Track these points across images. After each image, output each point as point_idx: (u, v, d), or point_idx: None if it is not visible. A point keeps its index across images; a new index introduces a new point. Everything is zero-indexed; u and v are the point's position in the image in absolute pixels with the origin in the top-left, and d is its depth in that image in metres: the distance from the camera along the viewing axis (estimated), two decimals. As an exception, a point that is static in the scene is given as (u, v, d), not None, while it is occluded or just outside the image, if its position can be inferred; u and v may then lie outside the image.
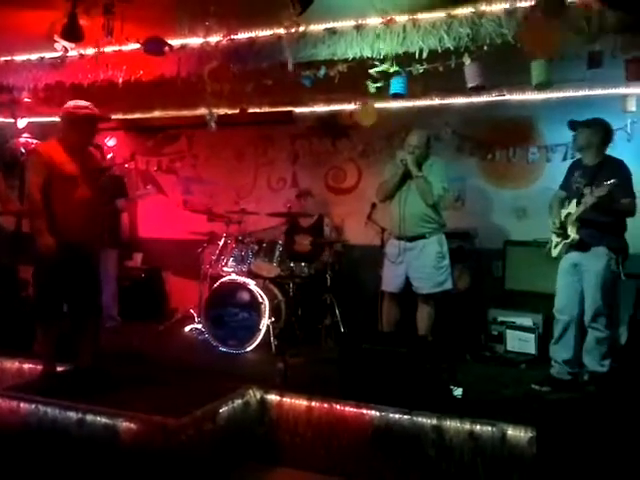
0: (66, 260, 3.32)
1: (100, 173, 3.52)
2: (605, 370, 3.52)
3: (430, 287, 4.11)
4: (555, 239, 3.74)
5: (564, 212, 3.67)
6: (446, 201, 4.37)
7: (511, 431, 2.85)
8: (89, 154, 3.59)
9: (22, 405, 3.11)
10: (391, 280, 4.24)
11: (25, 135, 5.95)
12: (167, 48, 3.66)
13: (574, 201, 3.59)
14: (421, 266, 4.10)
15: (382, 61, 3.44)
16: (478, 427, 2.90)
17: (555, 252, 3.72)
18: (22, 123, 5.80)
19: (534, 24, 2.99)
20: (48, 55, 4.15)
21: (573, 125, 3.81)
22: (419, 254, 4.11)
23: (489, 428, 2.88)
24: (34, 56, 4.22)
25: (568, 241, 3.59)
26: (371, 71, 3.53)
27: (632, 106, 4.50)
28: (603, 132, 3.66)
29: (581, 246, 3.56)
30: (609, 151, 3.96)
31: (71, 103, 3.53)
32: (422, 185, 4.09)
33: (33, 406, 3.08)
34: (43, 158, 3.36)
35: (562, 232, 3.66)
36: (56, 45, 3.84)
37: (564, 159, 4.94)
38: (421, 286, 4.12)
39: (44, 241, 3.27)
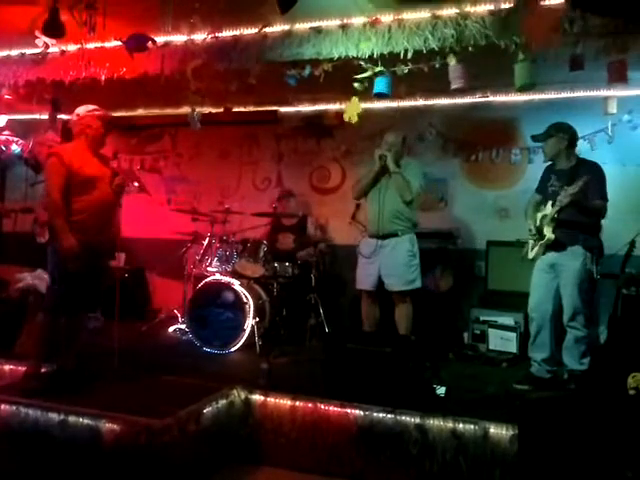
0: (85, 259, 3.33)
1: (114, 176, 3.55)
2: (584, 368, 3.56)
3: (401, 285, 4.14)
4: (531, 241, 3.77)
5: (540, 215, 3.70)
6: (420, 200, 4.39)
7: (493, 429, 2.87)
8: (102, 157, 3.62)
9: (3, 407, 3.06)
10: (365, 278, 4.27)
11: (5, 133, 5.86)
12: (150, 43, 3.62)
13: (549, 203, 3.63)
14: (393, 264, 4.14)
15: (367, 61, 3.44)
16: (461, 425, 2.92)
17: (532, 254, 3.75)
18: (2, 121, 5.71)
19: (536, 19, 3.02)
20: (29, 51, 4.10)
21: (536, 139, 3.85)
22: (391, 252, 4.15)
23: (471, 426, 2.90)
24: (14, 52, 4.17)
25: (544, 241, 3.62)
26: (357, 77, 3.53)
27: (613, 108, 4.57)
28: (568, 136, 3.69)
29: (557, 246, 3.60)
30: (589, 153, 4.02)
31: (81, 109, 3.54)
32: (400, 182, 4.12)
33: (15, 407, 3.03)
34: (63, 161, 3.37)
35: (538, 234, 3.69)
36: (37, 41, 3.79)
37: (546, 161, 5.00)
38: (392, 283, 4.15)
39: (67, 241, 3.28)
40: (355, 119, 3.85)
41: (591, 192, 3.47)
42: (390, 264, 4.14)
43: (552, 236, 3.58)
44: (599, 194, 3.54)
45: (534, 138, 3.89)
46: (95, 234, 3.42)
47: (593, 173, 3.54)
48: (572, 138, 3.71)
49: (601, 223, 3.66)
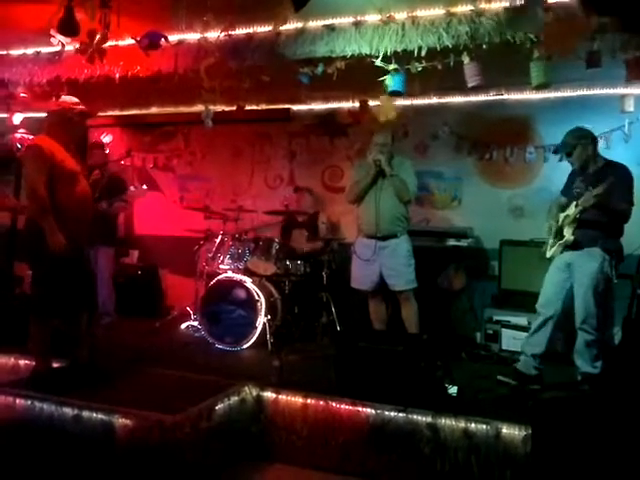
0: (70, 256, 3.30)
1: (92, 170, 3.53)
2: (597, 372, 3.51)
3: (403, 284, 4.16)
4: (551, 240, 3.73)
5: (563, 215, 3.65)
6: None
7: (505, 429, 2.86)
8: (80, 150, 3.58)
9: (18, 401, 3.09)
10: (363, 279, 4.28)
11: (21, 131, 5.92)
12: (163, 40, 3.63)
13: (573, 204, 3.56)
14: (395, 264, 4.15)
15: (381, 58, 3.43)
16: (473, 425, 2.90)
17: (550, 253, 3.71)
18: (18, 119, 5.77)
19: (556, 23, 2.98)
20: (44, 50, 4.14)
21: (561, 152, 3.77)
22: (392, 253, 4.16)
23: (483, 426, 2.89)
24: (30, 51, 4.21)
25: (563, 242, 3.58)
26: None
27: (630, 106, 4.51)
28: (590, 140, 3.60)
29: (575, 246, 3.56)
30: (605, 152, 3.94)
31: (66, 99, 3.49)
32: (397, 183, 4.13)
33: (29, 402, 3.07)
34: (46, 154, 3.26)
35: (558, 234, 3.65)
36: (52, 40, 3.81)
37: (561, 159, 4.91)
38: (395, 283, 4.17)
39: (55, 239, 3.20)
40: (393, 116, 3.80)
41: (616, 195, 3.39)
42: (392, 265, 4.15)
43: (571, 238, 3.53)
44: (624, 197, 3.46)
45: (557, 152, 3.81)
46: (79, 230, 3.36)
47: (620, 176, 3.48)
48: (594, 141, 3.64)
49: (623, 227, 3.58)
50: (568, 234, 3.55)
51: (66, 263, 3.28)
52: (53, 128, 3.43)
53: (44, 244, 3.22)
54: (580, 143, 3.60)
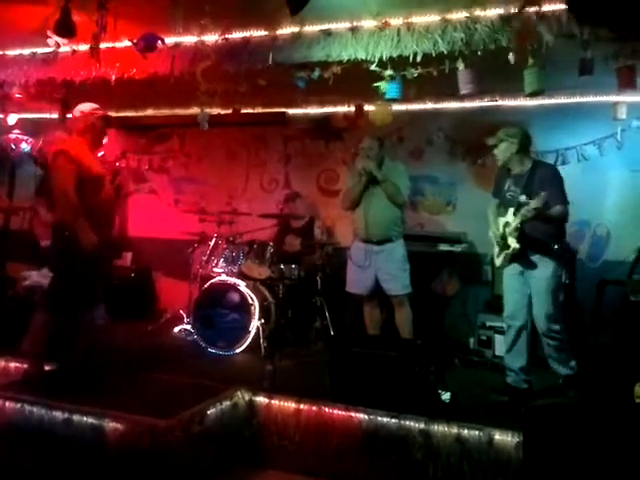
0: (94, 258, 3.35)
1: (115, 175, 3.59)
2: (575, 371, 3.51)
3: (399, 289, 4.18)
4: (497, 249, 3.64)
5: (502, 221, 3.57)
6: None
7: (498, 436, 2.86)
8: (100, 155, 3.65)
9: (8, 404, 3.08)
10: (358, 283, 4.29)
11: (15, 131, 5.90)
12: (160, 43, 3.63)
13: (511, 210, 3.49)
14: (390, 269, 4.17)
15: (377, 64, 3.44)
16: (465, 431, 2.90)
17: (498, 262, 3.64)
18: (12, 119, 5.75)
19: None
20: (40, 50, 4.12)
21: (489, 145, 3.72)
22: (388, 257, 4.17)
23: (476, 432, 2.89)
24: (26, 51, 4.19)
25: (510, 251, 3.49)
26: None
27: (622, 114, 4.53)
28: (518, 140, 3.55)
29: (525, 261, 3.50)
30: (598, 159, 3.95)
31: (87, 106, 3.55)
32: (390, 188, 4.15)
33: (19, 405, 3.05)
34: (73, 160, 3.35)
35: (503, 242, 3.56)
36: (49, 41, 3.81)
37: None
38: (391, 288, 4.18)
39: (89, 239, 3.29)
40: (389, 120, 3.81)
41: (551, 199, 3.35)
42: (388, 269, 4.16)
43: (517, 246, 3.44)
44: (559, 199, 3.42)
45: (488, 145, 3.75)
46: (103, 233, 3.42)
47: (550, 178, 3.46)
48: (522, 142, 3.58)
49: (565, 227, 3.56)
50: (513, 243, 3.46)
51: (91, 263, 3.33)
52: (79, 134, 3.52)
53: (71, 246, 3.29)
54: (507, 140, 3.57)
